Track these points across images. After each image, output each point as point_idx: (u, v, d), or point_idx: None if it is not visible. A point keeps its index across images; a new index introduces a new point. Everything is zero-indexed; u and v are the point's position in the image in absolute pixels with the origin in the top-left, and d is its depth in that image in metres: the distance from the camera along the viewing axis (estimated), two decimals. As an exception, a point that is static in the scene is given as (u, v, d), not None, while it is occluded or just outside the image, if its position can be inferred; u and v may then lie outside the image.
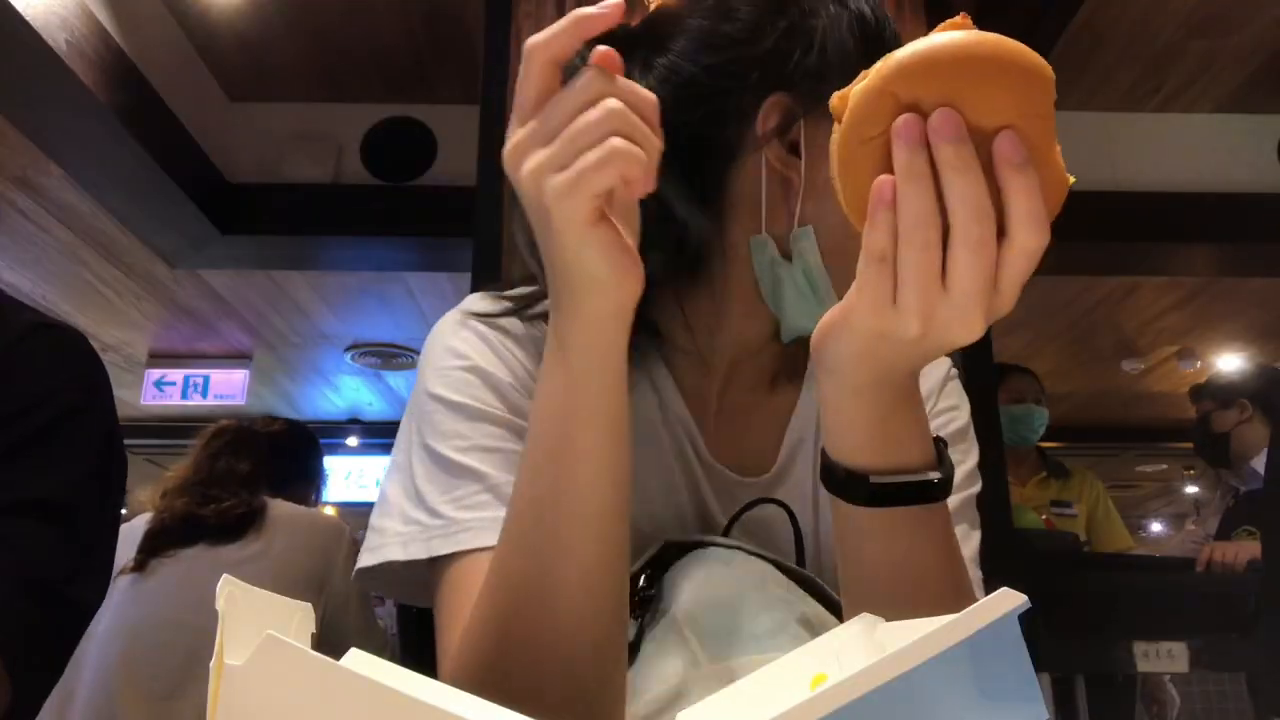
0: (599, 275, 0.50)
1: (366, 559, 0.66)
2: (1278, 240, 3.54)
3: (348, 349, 5.52)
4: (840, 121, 0.47)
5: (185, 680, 1.74)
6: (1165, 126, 3.64)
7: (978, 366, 2.05)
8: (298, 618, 0.32)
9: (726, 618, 0.60)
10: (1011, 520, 2.29)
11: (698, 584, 0.62)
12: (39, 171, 3.33)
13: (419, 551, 0.63)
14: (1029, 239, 0.44)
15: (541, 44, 0.49)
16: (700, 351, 0.76)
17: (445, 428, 0.67)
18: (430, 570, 0.64)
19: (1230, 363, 5.50)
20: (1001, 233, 0.45)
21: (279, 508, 2.04)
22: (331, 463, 6.92)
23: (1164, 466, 8.14)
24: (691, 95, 0.69)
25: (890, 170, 0.45)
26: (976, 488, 0.79)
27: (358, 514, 7.58)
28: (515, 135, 0.49)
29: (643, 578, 0.65)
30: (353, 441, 6.87)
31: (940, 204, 0.44)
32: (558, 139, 0.47)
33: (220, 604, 0.27)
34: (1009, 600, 0.26)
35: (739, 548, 0.66)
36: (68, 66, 2.52)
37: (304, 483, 2.31)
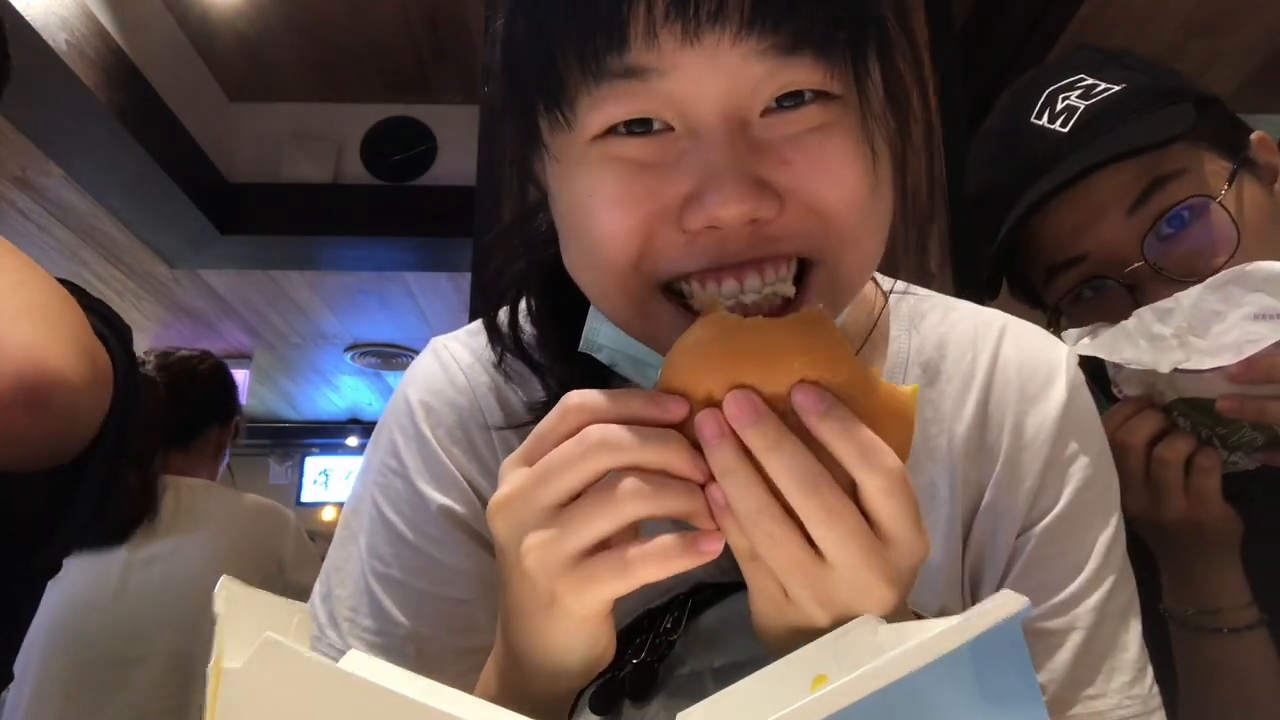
0: (573, 668, 0.46)
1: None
2: (1278, 240, 3.54)
3: (347, 349, 5.52)
4: None
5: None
6: (1165, 126, 3.63)
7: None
8: (296, 619, 0.31)
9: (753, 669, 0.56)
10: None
11: (728, 638, 0.56)
12: (39, 171, 3.33)
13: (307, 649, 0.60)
14: (872, 478, 0.40)
15: (587, 408, 0.43)
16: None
17: (372, 539, 0.64)
18: None
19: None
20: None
21: (194, 492, 1.74)
22: (331, 463, 6.94)
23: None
24: None
25: None
26: (1116, 558, 0.62)
27: (358, 514, 7.58)
28: (515, 479, 0.44)
29: (668, 619, 0.58)
30: (352, 441, 6.86)
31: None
32: (557, 520, 0.42)
33: (218, 606, 0.27)
34: (1011, 603, 0.26)
35: None
36: (68, 66, 2.52)
37: (218, 424, 1.92)
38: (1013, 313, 0.70)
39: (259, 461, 6.77)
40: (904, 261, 2.21)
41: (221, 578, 0.28)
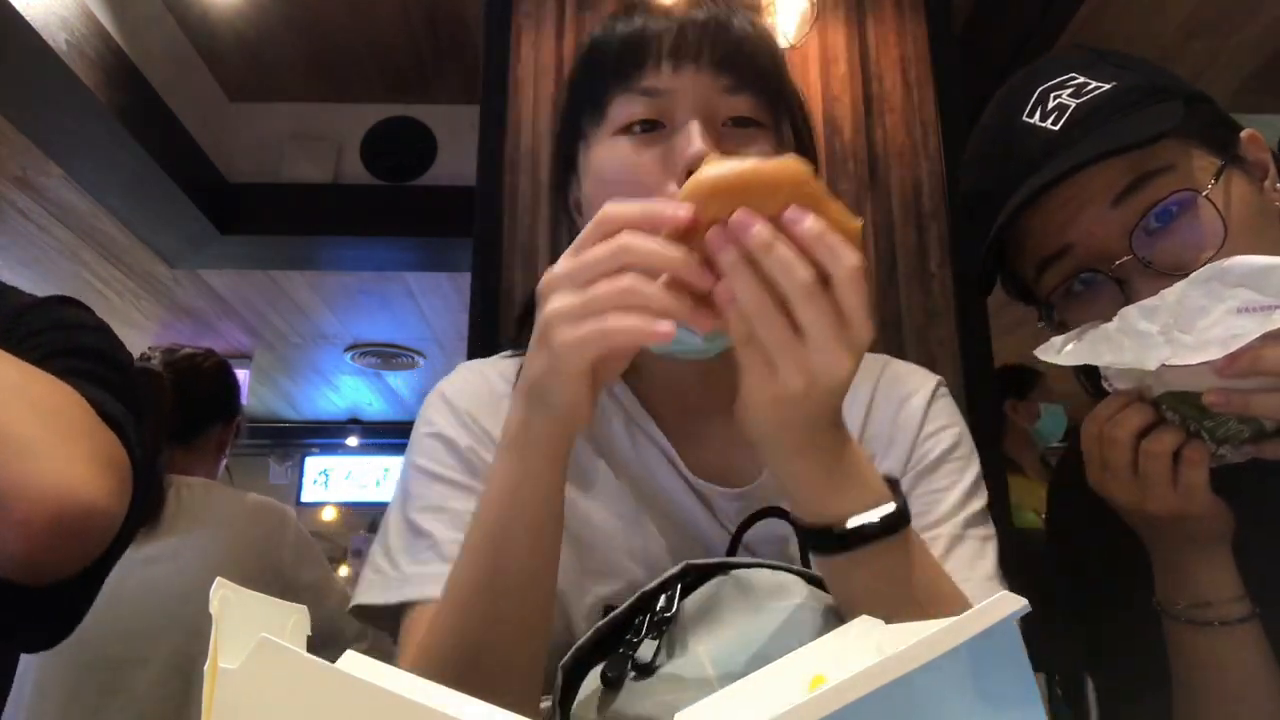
0: (557, 407, 0.59)
1: (356, 596, 0.76)
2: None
3: (347, 349, 5.52)
4: None
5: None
6: (1165, 126, 3.63)
7: (978, 369, 2.05)
8: (293, 620, 0.31)
9: (750, 650, 0.62)
10: (1010, 520, 2.29)
11: (716, 613, 0.65)
12: (39, 171, 3.33)
13: (378, 597, 0.74)
14: (839, 269, 0.52)
15: (620, 216, 0.56)
16: (653, 376, 0.84)
17: (411, 488, 0.79)
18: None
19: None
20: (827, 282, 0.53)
21: (193, 491, 1.74)
22: (331, 463, 6.95)
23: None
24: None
25: None
26: (977, 504, 0.80)
27: (358, 513, 7.58)
28: (559, 265, 0.57)
29: (662, 598, 0.67)
30: (353, 441, 6.87)
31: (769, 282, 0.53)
32: (582, 293, 0.55)
33: (214, 607, 0.27)
34: (1008, 604, 0.26)
35: (759, 564, 0.68)
36: (68, 66, 2.52)
37: (220, 423, 1.94)
38: (1008, 311, 0.75)
39: (259, 461, 6.78)
40: (904, 260, 2.21)
41: (216, 580, 0.28)
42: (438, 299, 4.77)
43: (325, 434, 6.90)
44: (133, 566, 1.63)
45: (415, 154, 3.50)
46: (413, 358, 5.64)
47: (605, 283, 0.54)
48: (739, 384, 0.57)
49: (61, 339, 0.83)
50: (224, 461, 2.01)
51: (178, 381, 1.81)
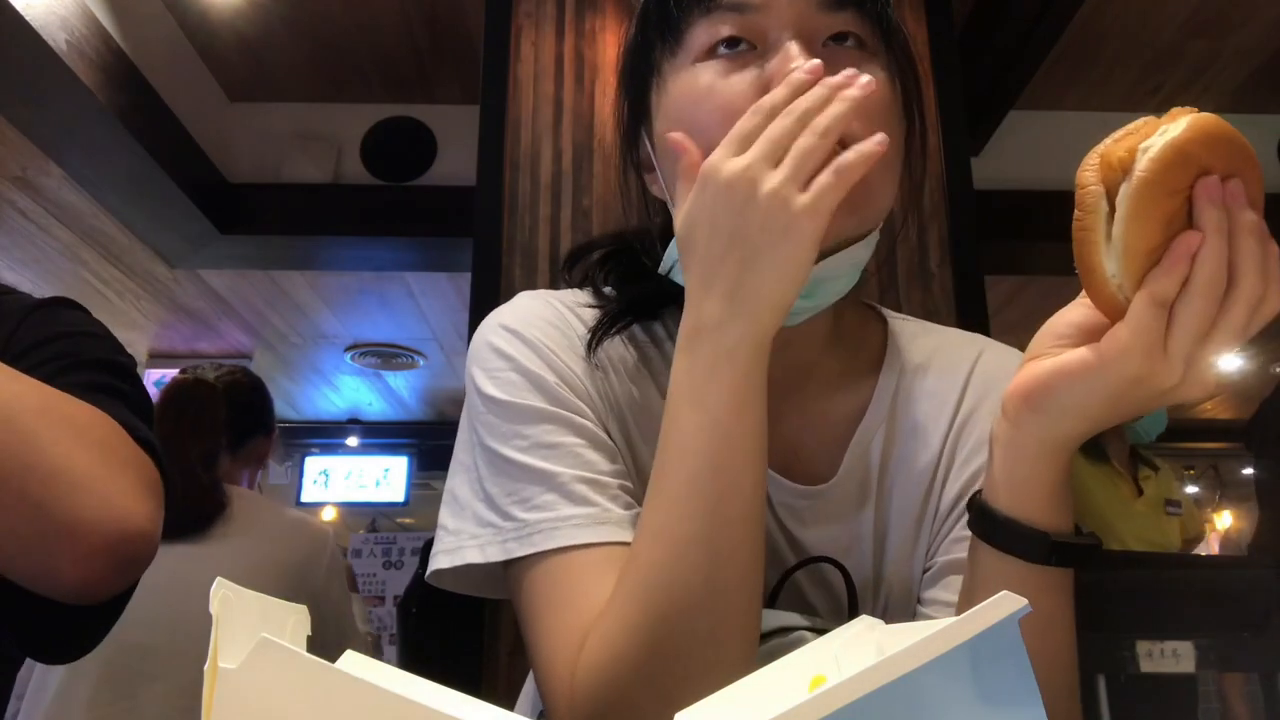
0: (776, 298, 0.55)
1: (444, 560, 0.67)
2: (1277, 240, 3.54)
3: (347, 349, 5.52)
4: (1126, 170, 0.50)
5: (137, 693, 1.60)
6: (1166, 126, 3.64)
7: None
8: (293, 620, 0.31)
9: None
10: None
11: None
12: (39, 171, 3.33)
13: (496, 554, 0.64)
14: (1275, 301, 0.49)
15: (781, 96, 0.57)
16: None
17: (503, 429, 0.67)
18: (505, 570, 0.65)
19: (1229, 362, 5.49)
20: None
21: (249, 502, 1.82)
22: (331, 463, 6.95)
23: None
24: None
25: (1176, 223, 0.49)
26: None
27: (358, 513, 7.58)
28: (744, 159, 0.55)
29: None
30: (353, 441, 6.87)
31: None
32: (788, 158, 0.54)
33: (214, 607, 0.27)
34: (1010, 604, 0.26)
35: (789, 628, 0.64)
36: (68, 66, 2.52)
37: (262, 434, 2.05)
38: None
39: (259, 461, 6.77)
40: (904, 260, 2.21)
41: (217, 580, 0.28)
42: (438, 299, 4.77)
43: (325, 434, 6.90)
44: (179, 563, 1.68)
45: (415, 154, 3.50)
46: (413, 358, 5.64)
47: (803, 139, 0.54)
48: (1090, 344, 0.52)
49: (68, 348, 0.84)
50: (260, 475, 2.08)
51: (225, 393, 1.88)
